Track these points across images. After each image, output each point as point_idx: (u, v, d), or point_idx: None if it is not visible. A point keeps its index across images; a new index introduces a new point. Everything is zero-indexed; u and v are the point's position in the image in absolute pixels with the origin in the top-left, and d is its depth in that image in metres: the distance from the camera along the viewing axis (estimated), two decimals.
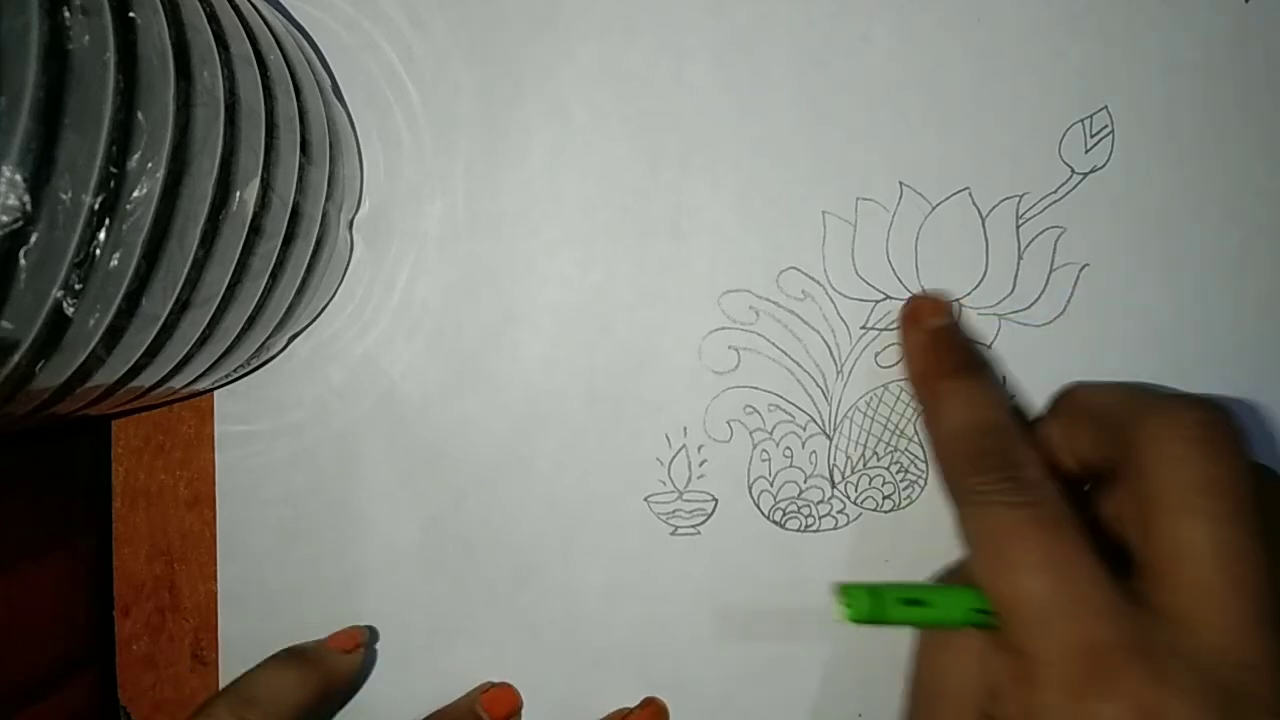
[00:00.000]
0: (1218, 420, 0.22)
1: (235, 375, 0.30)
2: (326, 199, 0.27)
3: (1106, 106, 0.30)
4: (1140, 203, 0.30)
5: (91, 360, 0.20)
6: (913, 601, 0.24)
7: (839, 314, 0.31)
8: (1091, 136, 0.30)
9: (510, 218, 0.31)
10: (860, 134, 0.30)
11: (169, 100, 0.19)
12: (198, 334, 0.23)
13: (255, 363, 0.30)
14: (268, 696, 0.27)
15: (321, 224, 0.26)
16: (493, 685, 0.31)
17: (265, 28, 0.25)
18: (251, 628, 0.31)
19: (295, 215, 0.25)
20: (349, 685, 0.30)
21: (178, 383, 0.25)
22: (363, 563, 0.31)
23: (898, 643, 0.31)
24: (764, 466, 0.31)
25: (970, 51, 0.30)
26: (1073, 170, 0.30)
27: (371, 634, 0.31)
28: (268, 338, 0.27)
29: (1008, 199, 0.30)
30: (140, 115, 0.18)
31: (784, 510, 0.31)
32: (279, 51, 0.25)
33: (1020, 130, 0.30)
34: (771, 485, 0.31)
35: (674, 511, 0.31)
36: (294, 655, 0.29)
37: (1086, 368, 0.30)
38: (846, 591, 0.24)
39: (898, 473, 0.31)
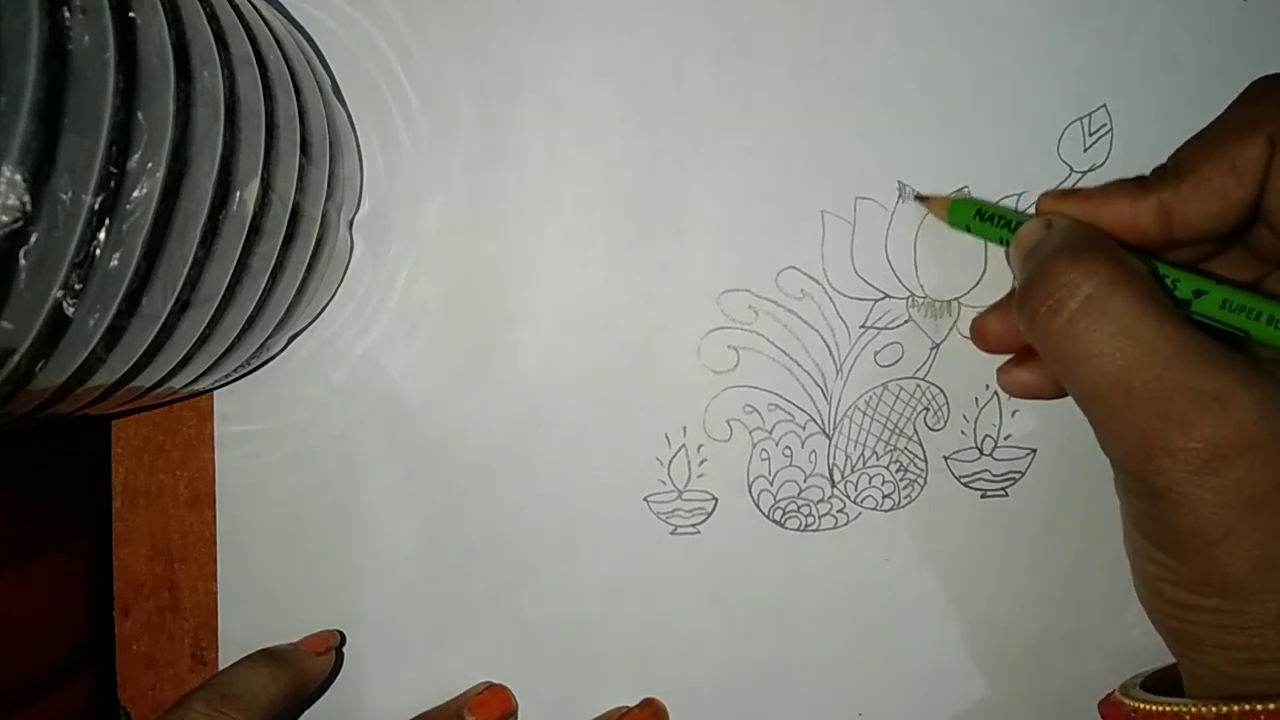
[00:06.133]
0: None
1: (235, 375, 0.30)
2: (326, 199, 0.27)
3: (1105, 105, 0.30)
4: None
5: (91, 360, 0.20)
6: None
7: (838, 313, 0.31)
8: (1090, 135, 0.30)
9: (509, 218, 0.31)
10: (859, 133, 0.30)
11: (169, 100, 0.19)
12: (198, 334, 0.23)
13: (255, 363, 0.30)
14: (243, 693, 0.27)
15: (321, 224, 0.26)
16: (488, 686, 0.31)
17: (265, 28, 0.25)
18: (251, 628, 0.31)
19: (295, 215, 0.25)
20: (319, 686, 0.31)
21: (178, 383, 0.25)
22: (362, 563, 0.31)
23: (898, 643, 0.32)
24: (763, 466, 0.31)
25: (969, 50, 0.30)
26: (1071, 169, 0.30)
27: (371, 634, 0.31)
28: (268, 338, 0.27)
29: (1007, 197, 0.30)
30: (140, 115, 0.18)
31: (784, 510, 0.31)
32: (279, 51, 0.25)
33: (1019, 129, 0.30)
34: (771, 485, 0.31)
35: (674, 511, 0.31)
36: (269, 655, 0.29)
37: None
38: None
39: (897, 472, 0.31)
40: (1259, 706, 0.20)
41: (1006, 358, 0.28)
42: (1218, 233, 0.23)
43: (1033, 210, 0.29)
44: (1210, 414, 0.20)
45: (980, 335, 0.29)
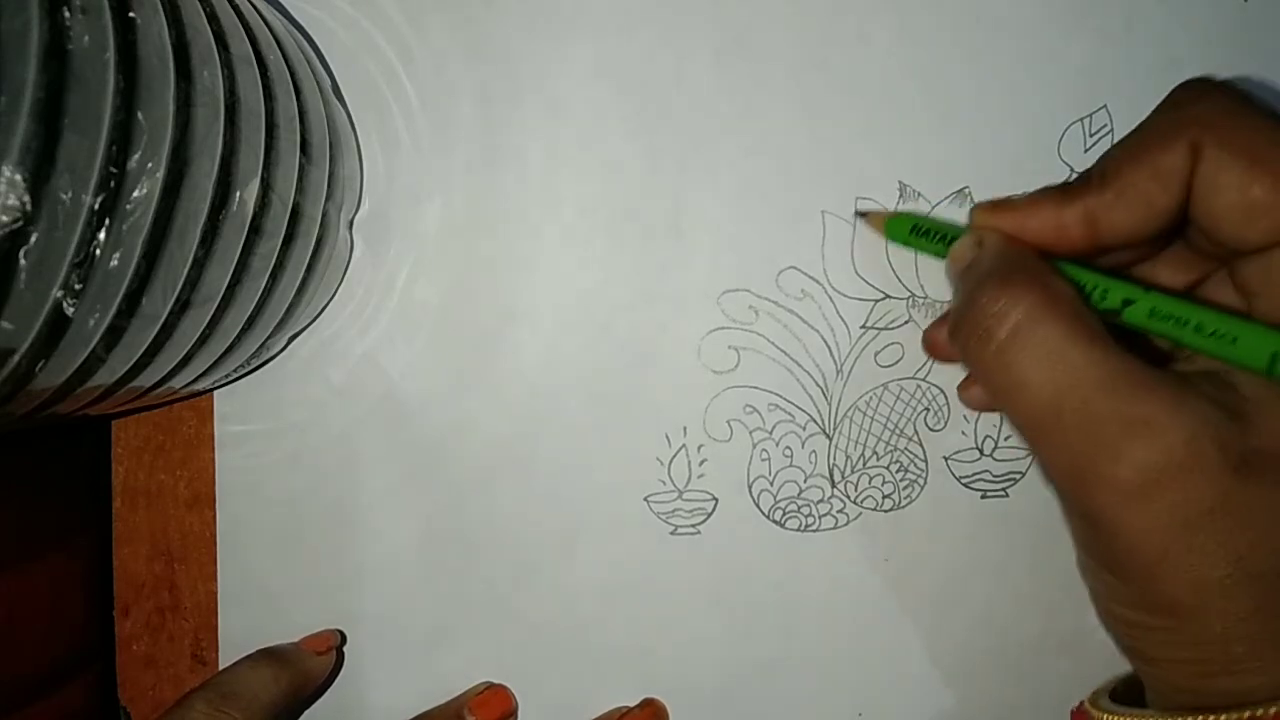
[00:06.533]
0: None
1: (235, 375, 0.30)
2: (326, 199, 0.27)
3: (1105, 106, 0.30)
4: None
5: (91, 360, 0.20)
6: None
7: (838, 313, 0.31)
8: (1090, 136, 0.30)
9: (509, 217, 0.31)
10: (860, 134, 0.30)
11: (169, 100, 0.19)
12: (198, 334, 0.23)
13: (255, 363, 0.30)
14: (244, 693, 0.27)
15: (321, 224, 0.26)
16: (488, 686, 0.31)
17: (265, 28, 0.25)
18: (251, 628, 0.31)
19: (295, 215, 0.25)
20: (320, 685, 0.31)
21: (178, 383, 0.25)
22: (362, 563, 0.31)
23: (898, 643, 0.32)
24: (764, 466, 0.31)
25: (969, 51, 0.30)
26: (1072, 169, 0.30)
27: (371, 634, 0.31)
28: (268, 338, 0.27)
29: None
30: (140, 115, 0.18)
31: (784, 510, 0.31)
32: (279, 51, 0.25)
33: (1019, 129, 0.30)
34: (771, 485, 0.31)
35: (674, 511, 0.31)
36: (270, 654, 0.29)
37: None
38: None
39: (897, 472, 0.31)
40: (1214, 718, 0.20)
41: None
42: (1146, 238, 0.23)
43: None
44: (1139, 440, 0.20)
45: (931, 346, 0.29)
